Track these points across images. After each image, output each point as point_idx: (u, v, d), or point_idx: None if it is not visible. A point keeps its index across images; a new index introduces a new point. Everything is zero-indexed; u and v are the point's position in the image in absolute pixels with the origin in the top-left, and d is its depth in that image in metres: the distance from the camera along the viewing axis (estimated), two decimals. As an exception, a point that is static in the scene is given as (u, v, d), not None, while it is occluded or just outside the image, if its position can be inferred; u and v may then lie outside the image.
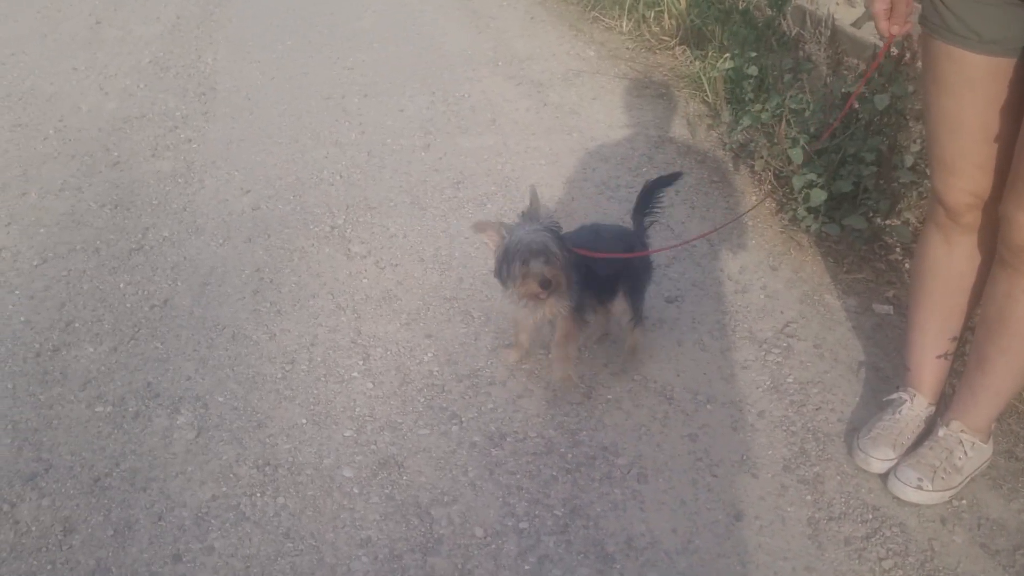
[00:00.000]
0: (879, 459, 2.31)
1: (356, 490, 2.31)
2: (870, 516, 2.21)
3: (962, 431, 2.26)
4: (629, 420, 2.50)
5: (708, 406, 2.54)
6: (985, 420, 2.26)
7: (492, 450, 2.41)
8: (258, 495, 2.30)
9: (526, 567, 2.09)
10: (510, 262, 2.34)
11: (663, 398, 2.57)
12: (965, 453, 2.25)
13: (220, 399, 2.61)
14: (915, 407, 2.37)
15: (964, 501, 2.24)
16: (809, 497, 2.26)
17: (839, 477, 2.31)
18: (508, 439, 2.44)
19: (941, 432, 2.27)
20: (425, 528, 2.20)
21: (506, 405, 2.55)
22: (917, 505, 2.22)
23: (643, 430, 2.46)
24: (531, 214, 2.39)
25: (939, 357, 2.37)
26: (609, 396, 2.58)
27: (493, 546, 2.15)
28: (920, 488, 2.21)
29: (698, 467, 2.34)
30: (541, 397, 2.58)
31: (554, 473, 2.33)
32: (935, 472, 2.22)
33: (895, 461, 2.30)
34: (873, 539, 2.15)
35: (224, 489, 2.32)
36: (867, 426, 2.39)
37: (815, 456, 2.37)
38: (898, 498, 2.23)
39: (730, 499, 2.25)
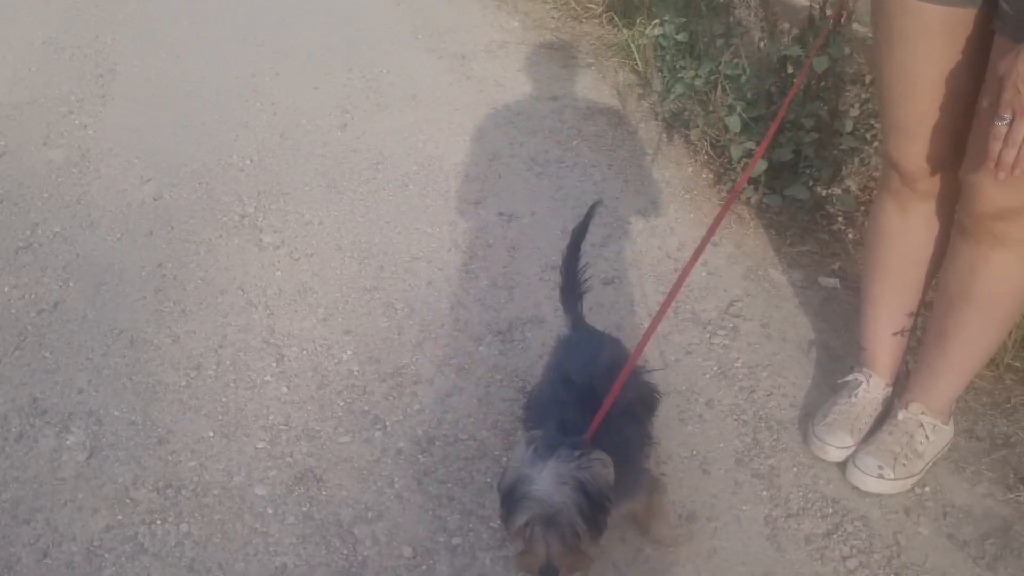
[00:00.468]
0: (836, 447, 2.15)
1: (270, 510, 2.08)
2: (830, 510, 2.05)
3: (922, 413, 2.11)
4: (568, 416, 2.30)
5: (652, 397, 2.36)
6: (946, 401, 2.12)
7: (420, 457, 2.19)
8: (158, 522, 2.05)
9: (461, 590, 1.89)
10: (509, 509, 1.56)
11: (604, 390, 2.38)
12: (926, 437, 2.10)
13: (116, 413, 2.35)
14: (871, 389, 2.22)
15: (927, 488, 2.10)
16: (765, 493, 2.09)
17: (795, 469, 2.15)
18: (437, 443, 2.23)
19: (900, 415, 2.13)
20: (348, 550, 1.98)
21: (434, 406, 2.34)
22: (879, 495, 2.07)
23: (584, 427, 2.27)
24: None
25: (895, 334, 2.22)
26: (546, 390, 2.38)
27: (424, 567, 1.94)
28: (881, 477, 2.06)
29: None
30: (472, 395, 2.37)
31: (489, 480, 2.12)
32: (896, 459, 2.07)
33: (853, 448, 2.15)
34: (835, 536, 1.99)
35: (119, 517, 2.06)
36: (822, 411, 2.23)
37: (769, 447, 2.21)
38: (858, 488, 2.08)
39: (681, 499, 2.08)
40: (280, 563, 1.95)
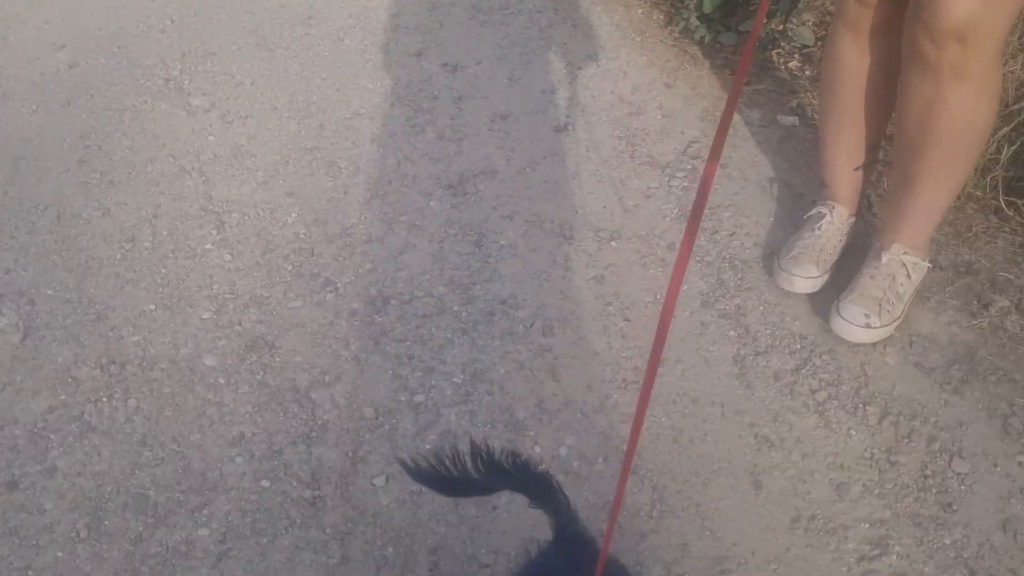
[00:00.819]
0: (803, 277, 2.10)
1: (222, 380, 1.99)
2: (798, 346, 2.02)
3: (904, 253, 2.03)
4: (527, 267, 2.22)
5: (612, 243, 2.28)
6: (924, 237, 2.05)
7: (375, 317, 2.10)
8: (104, 400, 1.95)
9: (427, 446, 1.84)
10: None
11: (562, 239, 2.29)
12: (908, 276, 2.03)
13: (48, 292, 2.21)
14: (835, 220, 2.16)
15: (894, 319, 2.08)
16: (732, 333, 2.05)
17: (762, 307, 2.11)
18: (392, 302, 2.14)
19: (884, 258, 2.04)
20: (306, 415, 1.91)
21: (386, 264, 2.24)
22: (865, 344, 2.01)
23: (543, 277, 2.19)
24: None
25: (857, 169, 2.14)
26: (502, 242, 2.29)
27: (387, 426, 1.88)
28: (869, 326, 1.99)
29: (608, 312, 2.10)
30: (425, 251, 2.27)
31: (448, 335, 2.05)
32: (880, 305, 2.00)
33: (819, 278, 2.10)
34: (803, 371, 1.97)
35: (62, 397, 1.96)
36: (787, 246, 2.17)
37: (734, 287, 2.15)
38: (846, 340, 2.01)
39: (647, 344, 2.02)
40: (237, 432, 1.88)
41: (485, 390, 1.93)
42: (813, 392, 1.92)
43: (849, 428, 1.87)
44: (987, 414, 1.89)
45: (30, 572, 1.67)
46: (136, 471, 1.81)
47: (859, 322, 1.99)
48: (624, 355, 2.00)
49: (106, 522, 1.74)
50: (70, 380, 2.00)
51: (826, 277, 2.13)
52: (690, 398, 1.91)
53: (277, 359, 2.02)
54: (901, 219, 2.02)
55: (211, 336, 2.08)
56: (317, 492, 1.77)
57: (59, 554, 1.69)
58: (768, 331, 2.05)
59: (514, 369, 1.97)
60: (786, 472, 1.79)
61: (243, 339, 2.07)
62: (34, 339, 2.09)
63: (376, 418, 1.89)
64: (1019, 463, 1.81)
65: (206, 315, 2.13)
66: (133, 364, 2.03)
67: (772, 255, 2.20)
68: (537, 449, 1.82)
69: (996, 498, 1.75)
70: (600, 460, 1.81)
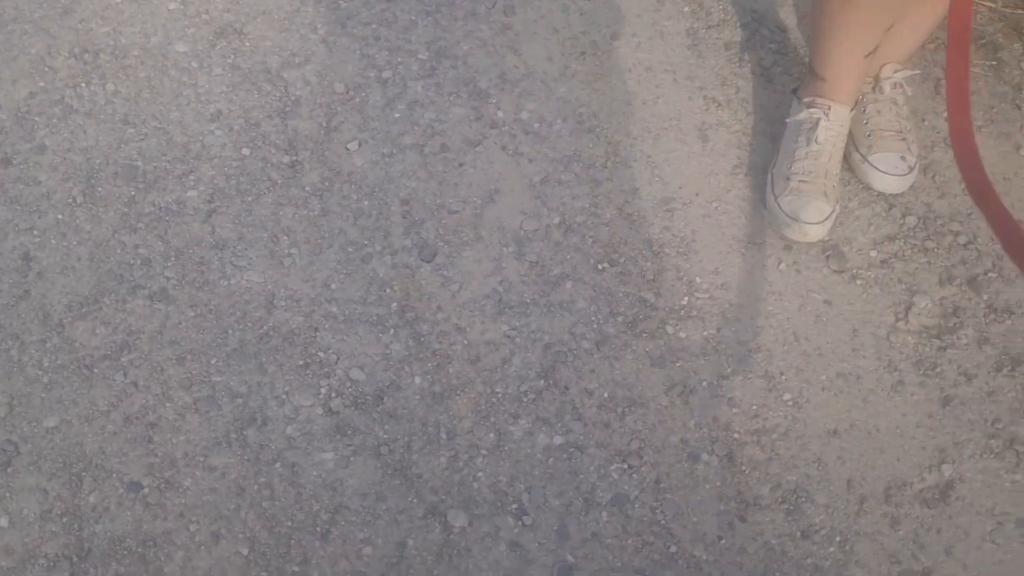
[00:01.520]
0: (816, 223, 1.75)
1: (195, 64, 2.05)
2: (749, 19, 2.10)
3: (896, 71, 1.80)
4: (488, -46, 2.25)
5: (572, -71, 2.30)
6: (916, 45, 1.81)
7: (340, 2, 2.15)
8: (83, 85, 2.02)
9: (396, 115, 1.95)
10: None
11: (522, -74, 2.31)
12: (904, 92, 1.84)
13: (11, -11, 2.22)
14: (834, 122, 1.76)
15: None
16: (687, 9, 2.12)
17: (716, -16, 2.17)
18: (356, -11, 2.18)
19: (887, 88, 1.80)
20: (280, 92, 2.00)
21: (348, -47, 2.25)
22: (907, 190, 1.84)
23: (504, -38, 2.23)
24: None
25: (868, 55, 1.71)
26: (463, -70, 2.30)
27: (357, 99, 1.98)
28: (911, 169, 1.80)
29: (567, -7, 2.16)
30: (387, -60, 2.28)
31: (412, 18, 2.11)
32: (905, 141, 1.81)
33: (831, 212, 1.75)
34: (752, 41, 2.06)
35: (41, 84, 2.03)
36: (779, 168, 1.81)
37: (689, -34, 2.21)
38: (893, 194, 1.84)
39: (605, 21, 2.10)
40: (215, 109, 1.97)
41: (449, 65, 2.02)
42: (760, 60, 2.03)
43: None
44: (922, 77, 2.01)
45: (35, 231, 1.81)
46: (122, 145, 1.92)
47: (900, 171, 1.79)
48: (583, 31, 2.07)
49: (99, 189, 1.87)
50: (46, 69, 2.05)
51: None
52: (644, 66, 2.02)
53: (247, 44, 2.08)
54: (901, 41, 1.76)
55: (179, 25, 2.13)
56: (295, 157, 1.90)
57: (59, 216, 1.83)
58: (721, 7, 2.12)
59: (477, 46, 2.05)
60: (731, 128, 1.93)
61: (211, 27, 2.12)
62: (4, 33, 2.12)
63: (347, 92, 1.98)
64: (945, 118, 1.96)
65: (172, 6, 2.16)
66: (106, 52, 2.08)
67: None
68: (500, 114, 1.94)
69: (919, 147, 1.91)
70: (559, 121, 1.94)
